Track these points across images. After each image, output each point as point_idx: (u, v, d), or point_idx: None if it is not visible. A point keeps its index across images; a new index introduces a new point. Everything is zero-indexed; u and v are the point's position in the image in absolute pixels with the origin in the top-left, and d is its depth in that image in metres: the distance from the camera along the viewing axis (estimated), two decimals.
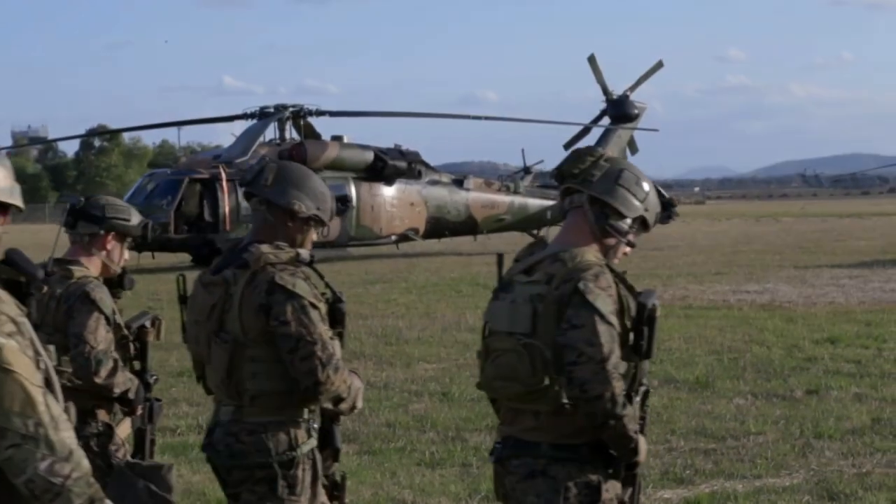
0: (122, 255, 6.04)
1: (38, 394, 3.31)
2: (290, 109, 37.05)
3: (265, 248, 4.86)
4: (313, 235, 5.06)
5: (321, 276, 5.01)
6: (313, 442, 4.94)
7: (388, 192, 36.80)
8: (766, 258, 32.55)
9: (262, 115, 36.98)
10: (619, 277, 4.42)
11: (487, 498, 8.35)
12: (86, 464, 3.34)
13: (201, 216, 34.73)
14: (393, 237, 36.65)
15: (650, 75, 44.69)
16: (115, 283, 6.03)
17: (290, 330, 4.76)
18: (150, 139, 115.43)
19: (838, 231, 49.85)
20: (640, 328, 4.37)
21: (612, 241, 4.51)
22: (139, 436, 6.06)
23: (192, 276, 5.24)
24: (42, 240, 57.55)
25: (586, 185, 4.48)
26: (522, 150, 43.28)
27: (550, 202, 41.12)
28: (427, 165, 38.84)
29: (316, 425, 4.98)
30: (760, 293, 22.72)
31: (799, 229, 51.31)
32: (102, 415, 5.81)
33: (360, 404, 5.01)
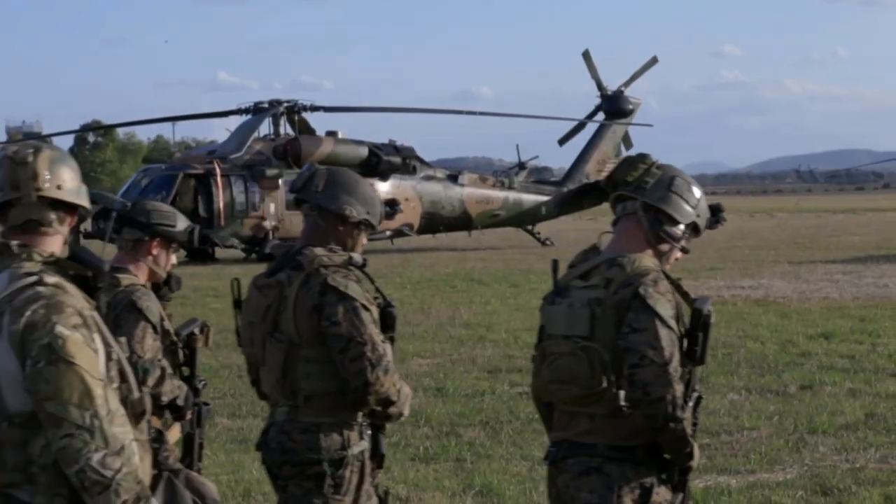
0: (167, 261, 5.99)
1: (97, 387, 3.39)
2: (285, 105, 37.04)
3: (319, 250, 4.96)
4: (364, 239, 5.17)
5: (372, 281, 5.11)
6: (364, 444, 5.01)
7: (383, 187, 36.78)
8: (760, 254, 32.58)
9: (257, 111, 36.97)
10: (675, 284, 4.50)
11: (481, 493, 8.36)
12: (136, 461, 3.41)
13: (196, 211, 34.70)
14: (387, 232, 36.64)
15: (645, 71, 44.69)
16: (163, 285, 6.02)
17: (342, 330, 4.85)
18: (145, 134, 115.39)
19: (832, 226, 49.89)
20: (694, 334, 4.45)
21: (665, 246, 4.59)
22: (188, 440, 6.07)
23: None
24: None
25: (640, 192, 4.56)
26: (517, 146, 43.30)
27: (545, 198, 41.15)
28: (422, 161, 38.84)
29: (368, 430, 5.04)
30: (755, 288, 22.75)
31: (793, 225, 51.34)
32: (154, 421, 5.80)
33: (406, 412, 5.08)
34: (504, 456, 9.53)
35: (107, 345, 3.53)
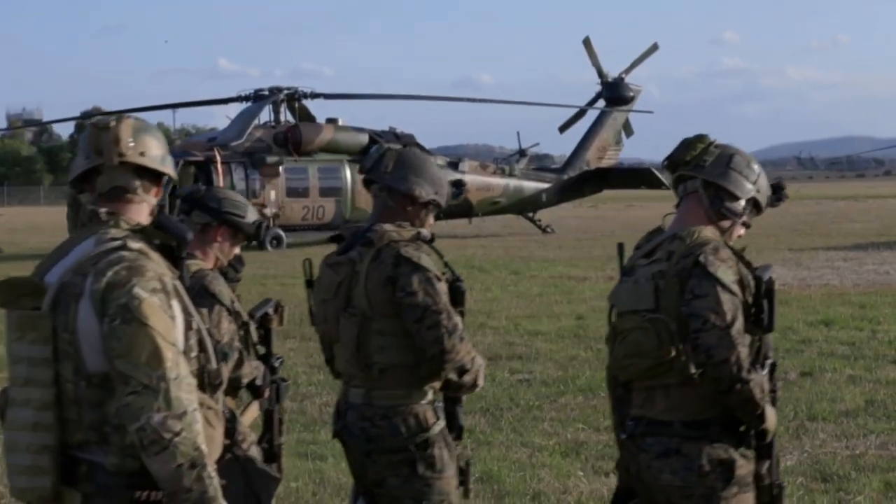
0: (231, 251, 5.96)
1: (167, 350, 3.47)
2: (285, 92, 37.00)
3: (388, 226, 5.09)
4: (431, 219, 5.28)
5: (441, 256, 5.19)
6: (442, 423, 5.12)
7: None
8: (760, 241, 32.53)
9: (257, 98, 36.93)
10: (738, 255, 4.58)
11: (482, 479, 8.36)
12: (198, 428, 3.45)
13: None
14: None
15: (645, 58, 44.67)
16: (227, 267, 6.00)
17: (417, 300, 4.96)
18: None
19: (833, 213, 49.90)
20: (759, 302, 4.55)
21: (727, 223, 4.68)
22: (268, 417, 6.07)
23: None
24: (36, 222, 57.17)
25: (699, 171, 4.67)
26: (518, 133, 43.24)
27: (546, 185, 41.13)
28: (422, 148, 38.81)
29: (441, 405, 5.16)
30: None
31: (794, 212, 51.27)
32: (228, 401, 5.82)
33: (481, 381, 5.17)
34: (504, 443, 9.53)
35: (187, 314, 3.62)
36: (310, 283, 5.39)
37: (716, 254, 4.48)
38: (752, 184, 4.69)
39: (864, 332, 14.84)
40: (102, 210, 3.69)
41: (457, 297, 5.15)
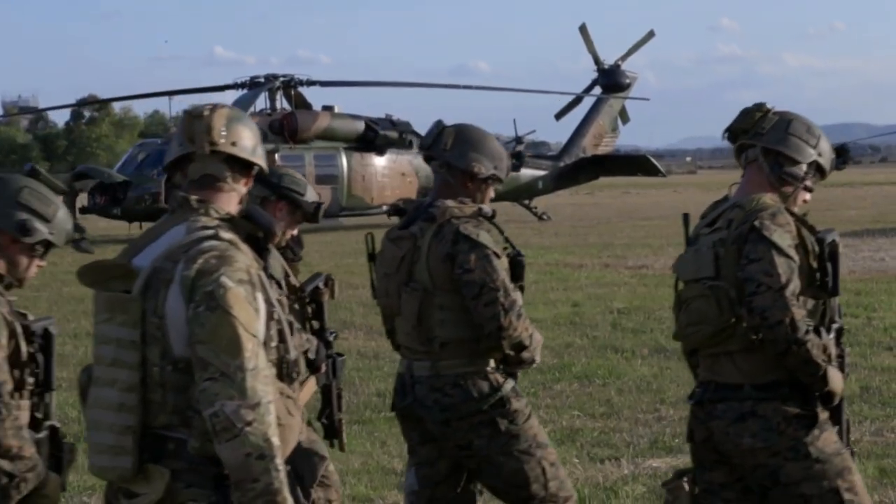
0: (288, 229, 5.89)
1: (248, 341, 3.51)
2: (281, 79, 36.95)
3: (449, 202, 5.18)
4: (491, 193, 5.36)
5: (501, 231, 5.27)
6: (513, 382, 5.23)
7: (380, 162, 36.75)
8: None
9: (253, 85, 36.89)
10: (799, 219, 4.65)
11: None
12: (270, 420, 3.49)
13: None
14: (384, 207, 36.60)
15: (641, 45, 44.60)
16: (287, 248, 5.95)
17: (475, 277, 5.06)
18: (141, 109, 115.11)
19: (829, 200, 49.85)
20: (824, 265, 4.60)
21: (789, 188, 4.74)
22: (326, 392, 6.02)
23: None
24: None
25: (758, 138, 4.74)
26: (514, 121, 43.17)
27: (542, 172, 41.11)
28: (418, 135, 38.71)
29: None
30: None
31: None
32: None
33: (538, 358, 5.27)
34: None
35: (269, 304, 3.67)
36: (371, 257, 5.50)
37: (773, 219, 4.54)
38: (813, 148, 4.74)
39: (859, 319, 14.83)
40: (193, 198, 3.73)
41: (517, 271, 5.23)
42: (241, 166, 3.82)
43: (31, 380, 4.20)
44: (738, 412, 4.59)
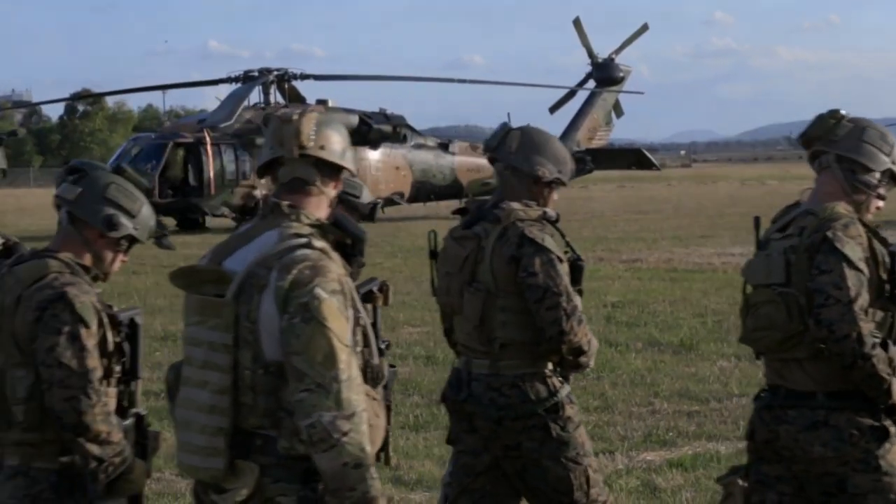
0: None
1: (342, 352, 3.57)
2: (275, 73, 36.93)
3: (515, 205, 5.21)
4: (555, 196, 5.38)
5: (563, 235, 5.29)
6: (567, 387, 5.25)
7: (374, 156, 36.72)
8: (751, 221, 32.54)
9: (247, 79, 36.85)
10: (872, 231, 4.61)
11: None
12: (364, 429, 3.55)
13: (186, 180, 34.68)
14: (378, 201, 36.59)
15: (635, 38, 44.62)
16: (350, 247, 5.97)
17: (538, 281, 5.08)
18: (135, 103, 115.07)
19: None
20: (893, 277, 4.57)
21: (861, 196, 4.72)
22: None
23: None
24: (26, 204, 56.93)
25: (832, 145, 4.71)
26: (508, 114, 43.11)
27: None
28: (412, 129, 38.74)
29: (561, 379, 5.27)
30: (746, 256, 22.63)
31: (784, 192, 51.34)
32: None
33: (592, 363, 5.30)
34: None
35: (356, 311, 3.71)
36: (434, 254, 5.52)
37: (845, 230, 4.52)
38: (887, 155, 4.72)
39: None
40: (284, 203, 3.77)
41: (576, 274, 5.26)
42: (330, 170, 3.85)
43: (117, 368, 4.30)
44: (811, 420, 4.58)
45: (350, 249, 3.85)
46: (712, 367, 11.62)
